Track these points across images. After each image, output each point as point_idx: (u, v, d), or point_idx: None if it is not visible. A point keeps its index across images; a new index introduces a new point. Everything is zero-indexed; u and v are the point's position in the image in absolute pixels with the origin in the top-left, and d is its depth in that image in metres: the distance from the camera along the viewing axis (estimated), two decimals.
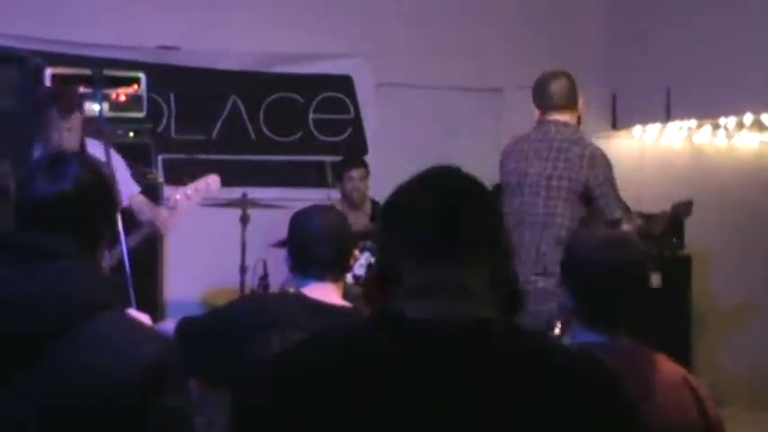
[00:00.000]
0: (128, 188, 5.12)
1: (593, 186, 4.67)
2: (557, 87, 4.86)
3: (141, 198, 5.18)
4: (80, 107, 4.90)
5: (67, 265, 2.08)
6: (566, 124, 4.81)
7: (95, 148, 5.01)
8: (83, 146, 4.97)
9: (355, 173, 6.45)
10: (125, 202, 5.09)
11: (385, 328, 1.70)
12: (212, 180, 5.09)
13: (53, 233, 2.11)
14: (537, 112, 4.90)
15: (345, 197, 6.44)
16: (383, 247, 1.83)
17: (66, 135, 4.84)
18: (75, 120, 4.87)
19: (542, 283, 4.49)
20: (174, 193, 5.06)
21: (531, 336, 1.73)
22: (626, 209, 5.02)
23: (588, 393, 1.65)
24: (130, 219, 5.02)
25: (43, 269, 2.05)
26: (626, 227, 4.55)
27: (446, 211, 1.71)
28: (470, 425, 1.58)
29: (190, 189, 5.02)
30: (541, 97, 4.89)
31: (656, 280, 5.86)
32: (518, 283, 1.83)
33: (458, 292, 1.69)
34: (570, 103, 4.87)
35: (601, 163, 4.73)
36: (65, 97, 4.94)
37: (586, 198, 4.69)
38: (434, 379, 1.60)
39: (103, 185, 2.27)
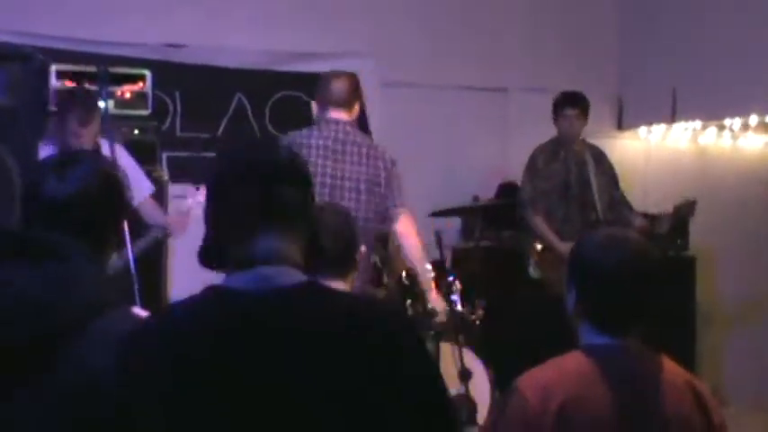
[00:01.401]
0: (140, 187, 5.14)
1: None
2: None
3: (152, 203, 5.19)
4: (97, 110, 4.94)
5: (76, 267, 2.09)
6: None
7: (109, 148, 5.03)
8: (97, 145, 4.99)
9: None
10: (137, 201, 5.11)
11: (210, 301, 1.85)
12: (201, 195, 5.12)
13: (62, 234, 2.12)
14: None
15: None
16: (212, 222, 1.94)
17: (84, 139, 4.87)
18: (95, 124, 4.90)
19: None
20: (187, 199, 5.08)
21: (339, 297, 1.93)
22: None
23: (386, 346, 1.82)
24: (137, 222, 5.04)
25: (53, 271, 2.05)
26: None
27: (266, 188, 1.88)
28: (277, 383, 1.77)
29: (202, 195, 5.05)
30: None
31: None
32: (326, 252, 2.04)
33: (275, 261, 1.86)
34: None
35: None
36: (85, 105, 4.97)
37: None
38: (249, 344, 1.78)
39: (112, 189, 2.27)
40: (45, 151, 4.81)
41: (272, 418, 1.77)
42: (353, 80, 5.03)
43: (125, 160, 5.16)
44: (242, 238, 1.88)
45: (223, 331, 1.81)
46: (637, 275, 2.46)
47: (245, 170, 1.91)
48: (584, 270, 2.51)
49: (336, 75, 5.03)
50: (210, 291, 1.87)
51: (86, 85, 5.47)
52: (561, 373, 2.42)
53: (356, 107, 5.01)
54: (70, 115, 4.90)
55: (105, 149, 5.08)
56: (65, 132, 4.87)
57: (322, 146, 4.83)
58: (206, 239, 1.96)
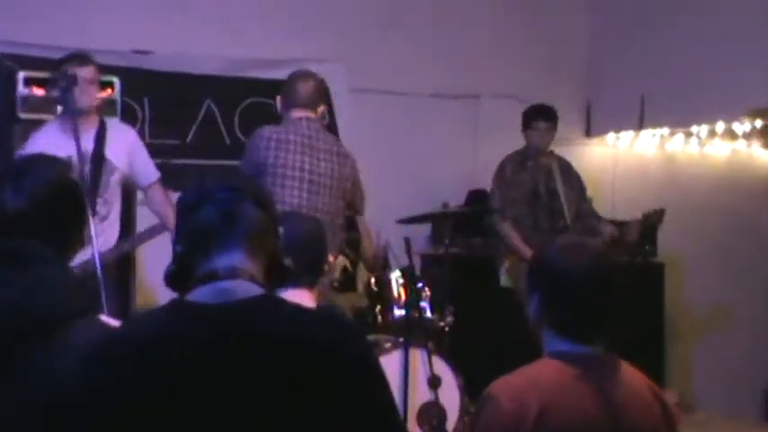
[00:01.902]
0: (146, 171, 5.14)
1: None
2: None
3: (160, 189, 5.19)
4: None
5: (41, 271, 2.08)
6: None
7: (114, 126, 5.04)
8: (102, 124, 4.98)
9: None
10: (145, 184, 5.12)
11: (172, 314, 1.94)
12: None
13: (21, 240, 2.11)
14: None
15: None
16: (178, 244, 2.05)
17: (95, 96, 4.92)
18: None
19: None
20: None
21: (293, 311, 2.01)
22: None
23: (335, 360, 1.92)
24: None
25: (20, 275, 2.05)
26: None
27: (225, 210, 2.00)
28: (231, 396, 1.85)
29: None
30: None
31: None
32: (287, 268, 2.16)
33: (234, 276, 1.96)
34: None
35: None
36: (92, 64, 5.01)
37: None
38: (208, 355, 1.87)
39: (64, 197, 2.26)
40: (49, 132, 4.83)
41: (229, 427, 1.85)
42: (319, 81, 5.11)
43: (133, 143, 5.18)
44: (204, 257, 1.99)
45: (185, 342, 1.88)
46: (598, 282, 2.47)
47: (205, 193, 2.02)
48: (546, 277, 2.52)
49: (303, 75, 5.09)
50: (173, 304, 1.97)
51: (55, 92, 5.44)
52: (536, 380, 2.42)
53: (320, 108, 5.05)
54: (78, 71, 4.88)
55: (117, 129, 5.09)
56: (72, 96, 4.83)
57: (299, 141, 4.87)
58: (173, 261, 2.04)
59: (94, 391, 1.86)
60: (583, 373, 2.43)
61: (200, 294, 1.95)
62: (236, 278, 1.96)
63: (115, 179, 5.06)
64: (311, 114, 4.98)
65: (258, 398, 1.85)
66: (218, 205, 2.00)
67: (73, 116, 4.74)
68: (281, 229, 2.86)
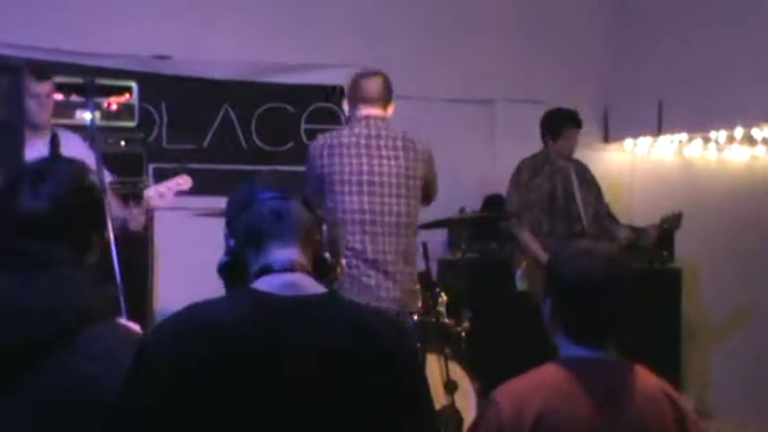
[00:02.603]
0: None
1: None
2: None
3: (110, 194, 5.16)
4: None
5: (64, 275, 2.09)
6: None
7: (70, 139, 5.03)
8: (54, 137, 4.96)
9: None
10: None
11: (247, 303, 2.05)
12: (183, 180, 5.14)
13: (42, 243, 2.11)
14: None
15: None
16: (233, 239, 2.20)
17: (45, 101, 4.91)
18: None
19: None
20: (146, 191, 5.10)
21: (351, 306, 2.22)
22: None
23: (389, 359, 2.07)
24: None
25: (40, 279, 2.05)
26: None
27: (276, 208, 2.16)
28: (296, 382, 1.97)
29: (162, 187, 5.09)
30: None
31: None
32: (331, 264, 2.29)
33: (292, 269, 2.10)
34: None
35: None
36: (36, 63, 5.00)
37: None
38: (283, 345, 1.99)
39: (85, 200, 2.27)
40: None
41: (295, 418, 1.97)
42: (385, 78, 4.96)
43: (85, 150, 5.12)
44: (258, 251, 2.13)
45: (264, 331, 2.01)
46: (609, 287, 2.48)
47: (257, 192, 2.20)
48: (559, 282, 2.52)
49: (367, 74, 4.99)
50: (244, 292, 2.10)
51: (73, 97, 5.46)
52: (538, 384, 2.43)
53: (390, 106, 4.93)
54: (24, 75, 4.88)
55: (68, 138, 5.08)
56: (31, 111, 4.86)
57: (354, 143, 4.74)
58: (226, 254, 2.20)
59: (163, 370, 1.94)
60: (588, 379, 2.43)
61: (265, 285, 2.08)
62: (295, 271, 2.10)
63: None
64: (378, 112, 4.84)
65: (319, 391, 1.98)
66: (269, 204, 2.15)
67: (31, 128, 4.78)
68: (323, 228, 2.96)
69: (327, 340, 2.01)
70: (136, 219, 5.01)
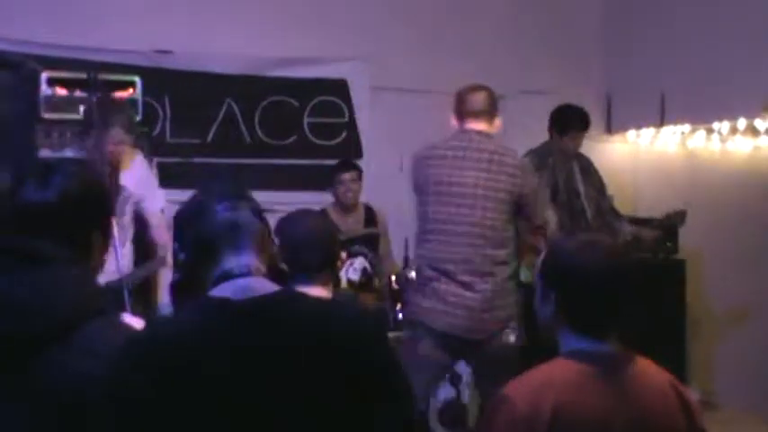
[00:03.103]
0: (153, 198, 5.19)
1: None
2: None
3: (159, 219, 5.22)
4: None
5: (60, 272, 2.09)
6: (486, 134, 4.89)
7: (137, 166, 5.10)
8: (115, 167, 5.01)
9: (346, 176, 6.36)
10: (149, 212, 5.17)
11: (202, 310, 2.05)
12: None
13: (40, 239, 2.12)
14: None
15: (337, 201, 6.39)
16: (184, 252, 2.20)
17: (123, 148, 4.95)
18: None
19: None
20: None
21: (313, 301, 2.16)
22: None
23: (354, 344, 2.06)
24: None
25: (37, 275, 2.05)
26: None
27: (232, 220, 2.15)
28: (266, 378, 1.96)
29: None
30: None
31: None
32: (284, 272, 2.38)
33: (248, 274, 2.09)
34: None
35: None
36: (127, 113, 5.05)
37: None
38: (239, 345, 1.97)
39: (93, 197, 2.27)
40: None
41: (270, 417, 1.96)
42: (490, 93, 4.98)
43: (146, 171, 5.24)
44: (213, 263, 2.12)
45: (218, 335, 1.99)
46: (611, 279, 2.47)
47: (205, 203, 2.18)
48: (561, 276, 2.52)
49: (473, 87, 5.00)
50: (199, 301, 2.08)
51: (77, 92, 5.48)
52: (549, 379, 2.42)
53: (497, 120, 4.93)
54: (114, 120, 4.92)
55: (138, 164, 5.14)
56: (103, 140, 4.89)
57: (442, 155, 4.82)
58: (178, 270, 2.21)
59: (130, 389, 1.92)
60: (597, 371, 2.43)
61: (223, 291, 2.06)
62: (250, 276, 2.09)
63: (129, 206, 5.12)
64: (481, 126, 4.86)
65: (292, 385, 1.97)
66: (222, 214, 2.14)
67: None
68: (288, 231, 2.98)
69: (290, 337, 2.01)
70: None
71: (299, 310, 2.07)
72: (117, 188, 4.98)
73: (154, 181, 5.34)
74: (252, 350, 1.97)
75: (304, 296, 2.15)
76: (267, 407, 1.95)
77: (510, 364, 4.16)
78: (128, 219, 5.12)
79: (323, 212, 5.99)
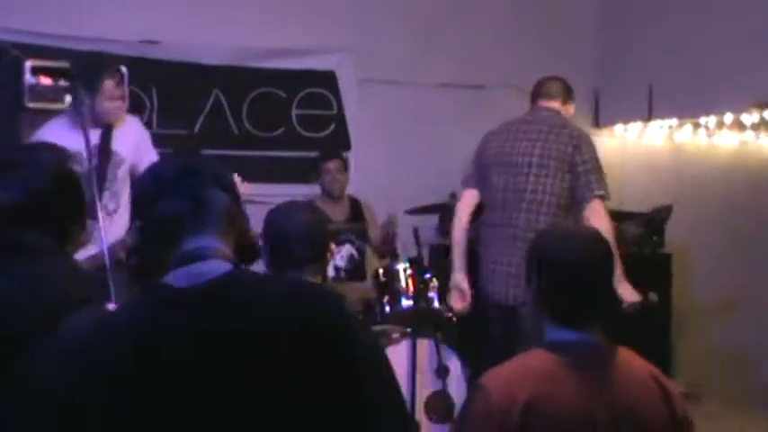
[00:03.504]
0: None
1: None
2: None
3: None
4: None
5: (44, 262, 2.08)
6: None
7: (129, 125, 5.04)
8: (108, 128, 4.96)
9: (332, 165, 6.35)
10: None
11: (150, 301, 1.93)
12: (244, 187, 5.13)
13: (23, 232, 2.10)
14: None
15: (324, 190, 6.37)
16: (143, 233, 2.04)
17: (119, 104, 4.90)
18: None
19: None
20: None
21: (267, 281, 2.07)
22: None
23: (319, 329, 1.90)
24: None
25: (19, 267, 2.04)
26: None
27: (191, 197, 2.00)
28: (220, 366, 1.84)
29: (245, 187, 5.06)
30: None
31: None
32: (257, 248, 2.17)
33: (206, 258, 1.95)
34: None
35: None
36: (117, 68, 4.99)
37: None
38: (180, 338, 1.85)
39: (64, 185, 2.25)
40: (56, 126, 4.81)
41: (217, 411, 1.83)
42: (564, 82, 5.13)
43: (140, 133, 5.20)
44: (176, 244, 1.97)
45: (160, 328, 1.88)
46: (593, 269, 2.48)
47: (167, 182, 2.02)
48: (542, 264, 2.52)
49: (549, 77, 5.17)
50: (152, 289, 1.97)
51: (62, 81, 5.44)
52: (525, 370, 2.43)
53: (569, 105, 5.06)
54: (106, 79, 4.88)
55: (129, 126, 5.09)
56: (96, 98, 4.85)
57: (506, 129, 5.03)
58: (137, 251, 2.06)
59: (82, 382, 1.84)
60: (577, 362, 2.43)
61: (175, 278, 1.94)
62: (208, 259, 1.96)
63: (122, 171, 5.06)
64: (553, 104, 5.01)
65: (236, 377, 1.84)
66: (182, 193, 2.00)
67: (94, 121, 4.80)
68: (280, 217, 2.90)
69: (244, 322, 1.88)
70: None
71: (248, 295, 1.93)
72: (108, 153, 4.94)
73: (150, 146, 5.27)
74: (190, 344, 1.85)
75: (255, 276, 2.02)
76: (238, 392, 1.83)
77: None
78: (120, 184, 5.06)
79: (310, 202, 5.99)
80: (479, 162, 5.09)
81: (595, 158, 4.83)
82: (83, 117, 4.66)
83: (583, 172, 4.77)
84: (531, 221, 4.75)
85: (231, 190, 2.08)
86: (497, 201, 4.91)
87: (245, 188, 5.05)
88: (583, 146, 4.81)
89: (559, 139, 4.80)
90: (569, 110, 5.06)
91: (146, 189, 2.06)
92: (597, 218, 4.71)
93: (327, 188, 6.32)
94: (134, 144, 5.13)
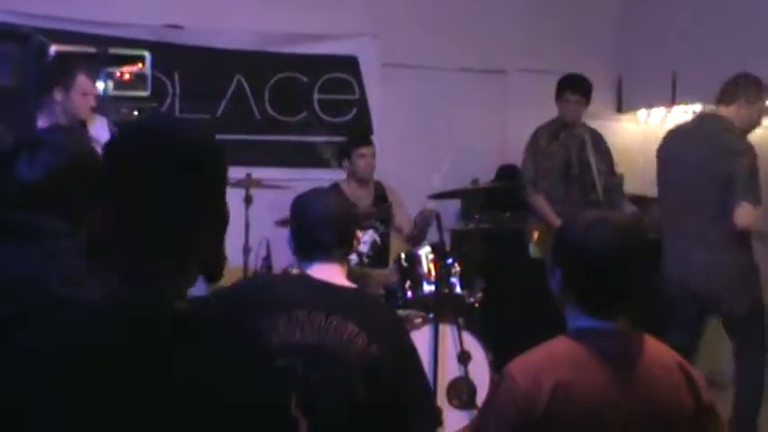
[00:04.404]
0: None
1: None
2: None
3: None
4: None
5: (54, 245, 2.08)
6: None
7: (99, 125, 5.01)
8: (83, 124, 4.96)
9: (366, 150, 6.31)
10: None
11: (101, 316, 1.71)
12: None
13: (34, 213, 2.11)
14: None
15: (355, 175, 6.32)
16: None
17: (91, 99, 4.85)
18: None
19: None
20: None
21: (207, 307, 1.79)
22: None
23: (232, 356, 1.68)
24: None
25: (29, 250, 2.05)
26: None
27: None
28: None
29: None
30: None
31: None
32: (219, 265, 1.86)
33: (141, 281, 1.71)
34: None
35: None
36: (89, 63, 4.94)
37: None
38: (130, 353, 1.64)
39: (84, 168, 2.25)
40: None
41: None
42: (732, 81, 5.19)
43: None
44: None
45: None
46: (620, 258, 2.45)
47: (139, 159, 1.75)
48: (568, 253, 2.50)
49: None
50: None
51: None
52: (551, 357, 2.43)
53: (735, 105, 5.08)
54: (79, 72, 4.87)
55: (98, 125, 5.07)
56: (69, 94, 4.84)
57: (678, 130, 5.33)
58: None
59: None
60: (602, 350, 2.42)
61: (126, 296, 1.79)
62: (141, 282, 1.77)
63: None
64: (719, 109, 5.13)
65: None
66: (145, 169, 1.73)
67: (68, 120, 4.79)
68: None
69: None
70: None
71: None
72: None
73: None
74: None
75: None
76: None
77: None
78: None
79: (336, 187, 6.00)
80: None
81: (744, 170, 4.91)
82: (108, 105, 4.67)
83: (731, 183, 4.89)
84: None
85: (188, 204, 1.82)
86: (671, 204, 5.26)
87: None
88: (733, 157, 4.90)
89: (712, 149, 4.99)
90: (732, 110, 5.08)
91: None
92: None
93: (361, 173, 6.28)
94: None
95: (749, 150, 4.89)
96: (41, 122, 4.71)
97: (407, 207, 6.36)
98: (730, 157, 4.84)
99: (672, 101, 7.12)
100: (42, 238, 2.09)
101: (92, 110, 4.98)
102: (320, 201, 3.22)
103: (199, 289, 1.88)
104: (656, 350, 2.51)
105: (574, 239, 2.50)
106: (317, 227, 3.15)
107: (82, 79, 4.85)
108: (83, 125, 4.90)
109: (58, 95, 4.82)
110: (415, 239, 6.18)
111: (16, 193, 2.18)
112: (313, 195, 3.27)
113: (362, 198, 6.18)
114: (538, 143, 6.32)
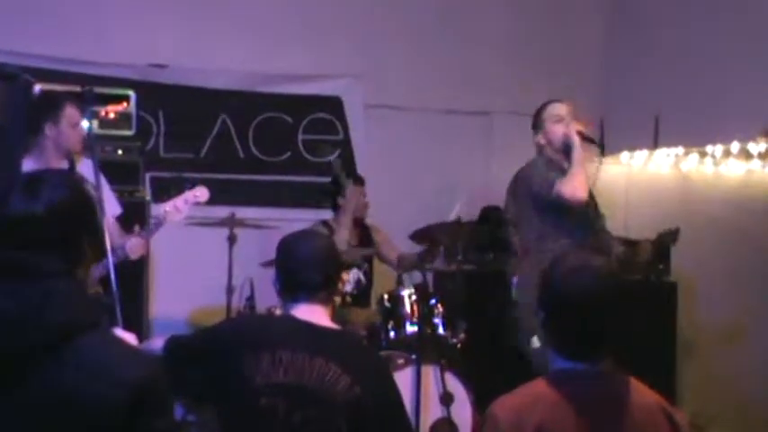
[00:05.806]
0: (109, 208, 5.07)
1: None
2: None
3: (115, 225, 5.11)
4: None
5: (51, 284, 2.07)
6: None
7: (85, 166, 4.98)
8: (72, 162, 4.94)
9: (363, 189, 6.34)
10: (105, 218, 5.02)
11: None
12: (200, 192, 5.06)
13: (31, 252, 2.10)
14: None
15: (348, 214, 6.11)
16: None
17: (78, 133, 4.83)
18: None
19: None
20: (163, 206, 5.03)
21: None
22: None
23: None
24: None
25: (27, 288, 2.04)
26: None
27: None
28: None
29: (179, 201, 5.01)
30: None
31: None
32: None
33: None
34: None
35: None
36: (76, 99, 4.92)
37: None
38: None
39: (80, 207, 2.25)
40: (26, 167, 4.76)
41: None
42: None
43: (101, 178, 5.12)
44: None
45: None
46: (602, 303, 2.46)
47: None
48: (550, 297, 2.52)
49: None
50: None
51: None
52: (533, 398, 2.43)
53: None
54: (67, 104, 4.85)
55: (84, 166, 5.05)
56: (59, 127, 4.82)
57: None
58: None
59: None
60: (584, 392, 2.43)
61: None
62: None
63: None
64: None
65: None
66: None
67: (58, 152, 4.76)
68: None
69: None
70: (135, 247, 4.94)
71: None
72: None
73: (106, 185, 5.21)
74: None
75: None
76: None
77: None
78: None
79: (326, 224, 6.00)
80: None
81: None
82: (93, 144, 4.65)
83: None
84: None
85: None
86: None
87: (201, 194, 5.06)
88: None
89: None
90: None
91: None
92: None
93: (358, 212, 6.24)
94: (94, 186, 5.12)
95: None
96: (31, 165, 4.68)
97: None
98: None
99: (654, 143, 7.16)
100: (38, 276, 2.08)
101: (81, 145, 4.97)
102: (307, 243, 3.23)
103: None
104: (640, 393, 2.51)
105: (555, 284, 2.51)
106: (303, 269, 3.15)
107: (70, 111, 4.84)
108: (71, 167, 4.88)
109: (48, 131, 4.81)
110: (405, 267, 6.16)
111: (12, 229, 2.17)
112: (300, 237, 3.28)
113: (352, 239, 6.17)
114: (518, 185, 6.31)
